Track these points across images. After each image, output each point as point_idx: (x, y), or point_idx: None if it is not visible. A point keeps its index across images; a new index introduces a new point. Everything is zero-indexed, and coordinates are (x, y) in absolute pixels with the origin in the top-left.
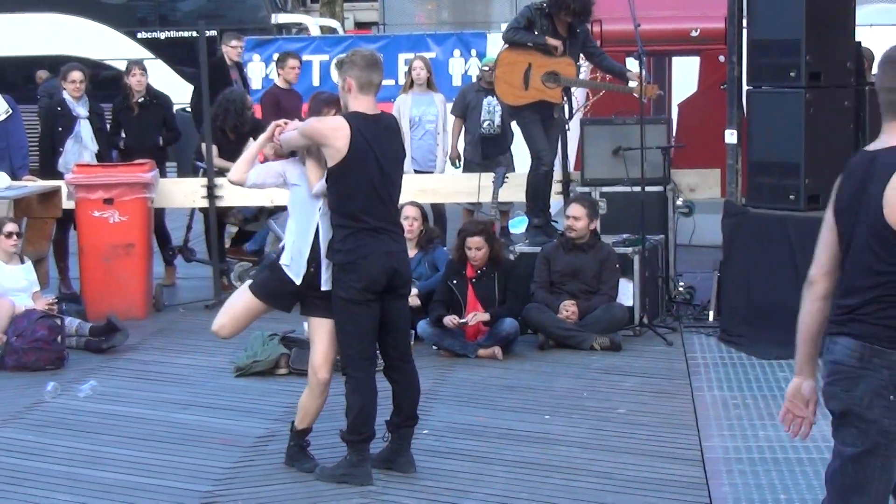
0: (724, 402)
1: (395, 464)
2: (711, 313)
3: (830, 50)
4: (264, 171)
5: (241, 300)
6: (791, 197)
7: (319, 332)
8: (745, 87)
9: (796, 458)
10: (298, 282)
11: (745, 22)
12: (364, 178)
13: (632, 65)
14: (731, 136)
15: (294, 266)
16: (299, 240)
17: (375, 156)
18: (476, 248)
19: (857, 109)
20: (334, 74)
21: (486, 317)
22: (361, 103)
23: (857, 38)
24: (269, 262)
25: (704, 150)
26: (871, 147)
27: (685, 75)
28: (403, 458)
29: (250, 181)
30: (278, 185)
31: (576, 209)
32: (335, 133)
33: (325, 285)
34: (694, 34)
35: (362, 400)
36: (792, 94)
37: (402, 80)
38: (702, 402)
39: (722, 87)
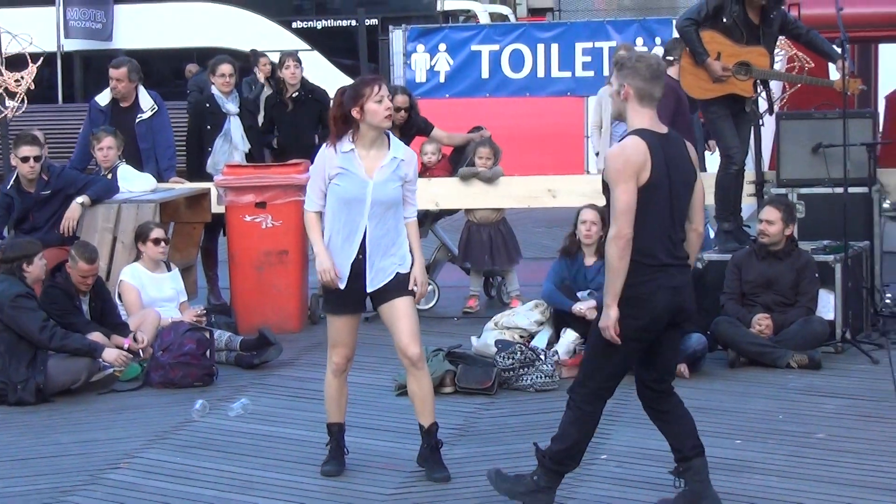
0: None
1: None
2: None
3: None
4: (311, 189)
5: (330, 329)
6: None
7: (395, 314)
8: None
9: None
10: (343, 286)
11: None
12: (657, 207)
13: None
14: None
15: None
16: (343, 241)
17: (670, 181)
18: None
19: None
20: (505, 67)
21: None
22: (643, 118)
23: None
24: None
25: None
26: None
27: (894, 63)
28: (708, 499)
29: (318, 208)
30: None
31: (770, 212)
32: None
33: (371, 287)
34: None
35: (580, 435)
36: None
37: (579, 73)
38: None
39: None
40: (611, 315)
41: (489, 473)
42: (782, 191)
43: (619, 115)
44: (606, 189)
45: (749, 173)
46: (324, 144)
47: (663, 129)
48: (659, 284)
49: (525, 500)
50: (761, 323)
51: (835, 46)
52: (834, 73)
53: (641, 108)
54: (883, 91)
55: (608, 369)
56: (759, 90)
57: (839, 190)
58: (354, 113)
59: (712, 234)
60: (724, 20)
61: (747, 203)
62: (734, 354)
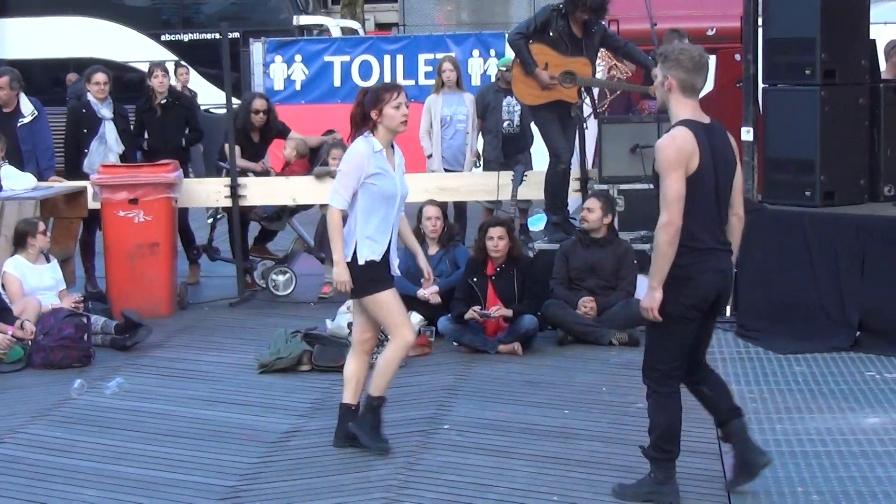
0: (742, 397)
1: (748, 464)
2: (729, 309)
3: (845, 48)
4: (344, 188)
5: (389, 308)
6: (807, 193)
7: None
8: (760, 86)
9: (813, 451)
10: (397, 272)
11: (760, 21)
12: (704, 194)
13: None
14: (747, 134)
15: (378, 256)
16: (380, 235)
17: (715, 170)
18: (498, 237)
19: (871, 107)
20: (355, 76)
21: (508, 312)
22: (687, 108)
23: (871, 36)
24: (357, 270)
25: None
26: None
27: None
28: (753, 453)
29: (344, 205)
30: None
31: (591, 202)
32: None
33: (394, 271)
34: (710, 33)
35: (669, 417)
36: (807, 91)
37: (422, 81)
38: None
39: (738, 85)
40: (655, 297)
41: (614, 490)
42: (604, 187)
43: (663, 105)
44: (656, 178)
45: (574, 171)
46: (355, 143)
47: (706, 120)
48: (708, 266)
49: (654, 497)
50: (586, 305)
51: (650, 57)
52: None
53: (685, 99)
54: None
55: (671, 350)
56: (582, 96)
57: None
58: (373, 115)
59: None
60: (551, 34)
61: (573, 198)
62: (563, 333)
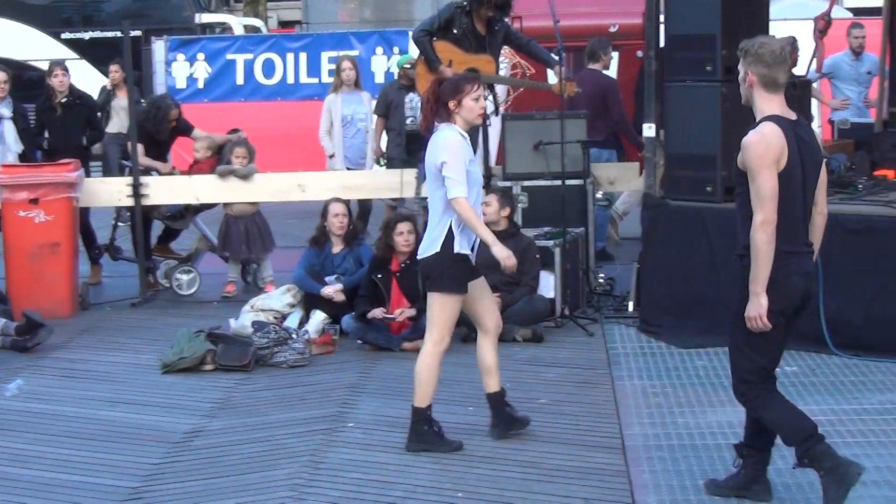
0: (644, 391)
1: (750, 491)
2: (631, 304)
3: None
4: (458, 174)
5: (449, 312)
6: (708, 189)
7: (483, 290)
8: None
9: (714, 444)
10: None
11: (662, 17)
12: (792, 192)
13: None
14: (649, 130)
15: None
16: (465, 231)
17: (803, 167)
18: (408, 231)
19: None
20: (258, 74)
21: (412, 312)
22: (773, 104)
23: (770, 33)
24: (447, 262)
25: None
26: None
27: None
28: (761, 485)
29: (466, 193)
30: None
31: (488, 197)
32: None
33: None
34: (613, 30)
35: (785, 415)
36: (708, 87)
37: (325, 79)
38: (622, 392)
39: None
40: (762, 303)
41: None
42: (508, 183)
43: (748, 102)
44: (740, 176)
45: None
46: (447, 131)
47: (793, 116)
48: (793, 269)
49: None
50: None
51: (553, 55)
52: (552, 78)
53: (768, 94)
54: None
55: (758, 361)
56: (486, 94)
57: (557, 182)
58: (451, 105)
59: None
60: (455, 31)
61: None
62: (466, 330)
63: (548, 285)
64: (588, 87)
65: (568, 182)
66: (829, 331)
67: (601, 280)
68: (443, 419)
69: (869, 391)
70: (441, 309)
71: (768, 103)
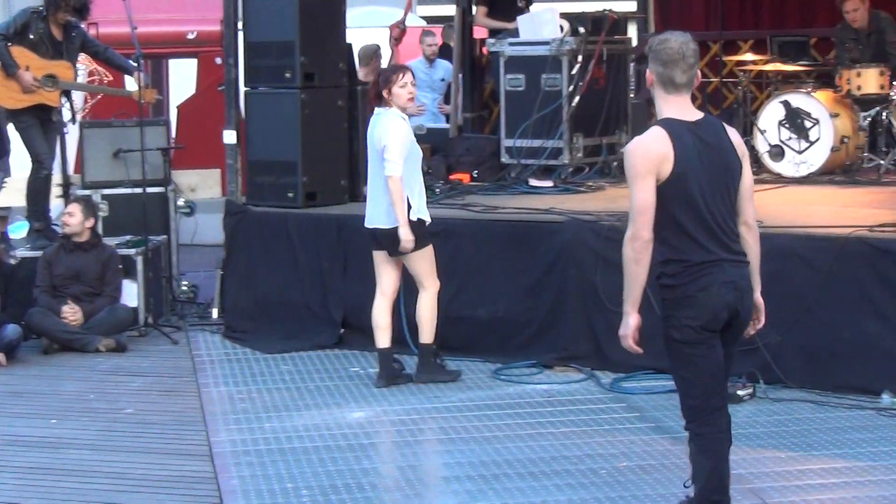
0: (231, 397)
1: None
2: (215, 311)
3: (323, 52)
4: (400, 156)
5: (429, 259)
6: (290, 195)
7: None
8: (242, 89)
9: (301, 448)
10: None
11: (241, 24)
12: (688, 199)
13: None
14: (229, 137)
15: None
16: (420, 198)
17: (703, 170)
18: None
19: (349, 108)
20: None
21: None
22: (670, 106)
23: (347, 40)
24: (416, 227)
25: (204, 151)
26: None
27: (183, 77)
28: None
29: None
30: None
31: (71, 206)
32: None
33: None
34: (191, 37)
35: (713, 461)
36: (288, 94)
37: None
38: (209, 398)
39: (220, 88)
40: (629, 323)
41: None
42: (87, 192)
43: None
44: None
45: (56, 177)
46: (388, 115)
47: (694, 116)
48: (713, 280)
49: None
50: (70, 312)
51: (131, 61)
52: (131, 85)
53: (666, 94)
54: (175, 101)
55: (695, 380)
56: (62, 101)
57: (138, 190)
58: (385, 93)
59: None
60: (31, 36)
61: (55, 203)
62: (47, 342)
63: (131, 294)
64: None
65: (149, 190)
66: (409, 332)
67: (185, 287)
68: (27, 432)
69: (450, 390)
70: (421, 261)
71: (665, 104)
